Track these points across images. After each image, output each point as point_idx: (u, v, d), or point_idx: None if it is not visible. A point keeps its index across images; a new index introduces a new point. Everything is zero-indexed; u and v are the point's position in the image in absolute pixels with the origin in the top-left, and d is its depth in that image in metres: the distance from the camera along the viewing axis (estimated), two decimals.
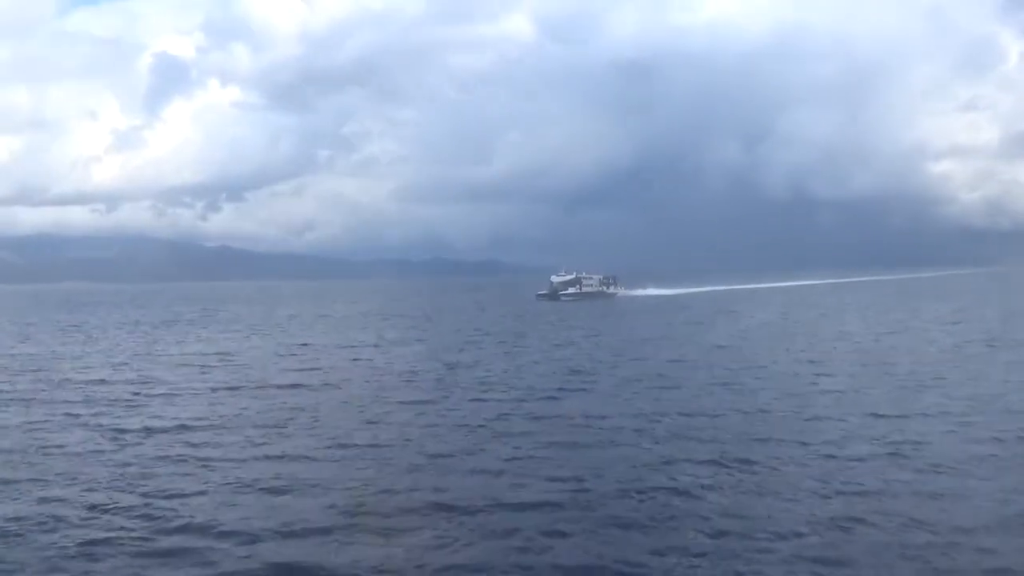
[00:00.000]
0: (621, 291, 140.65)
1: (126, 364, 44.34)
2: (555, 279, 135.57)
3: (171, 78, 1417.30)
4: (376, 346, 54.17)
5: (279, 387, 33.97)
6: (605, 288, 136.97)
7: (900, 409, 26.34)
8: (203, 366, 42.52)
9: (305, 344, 55.62)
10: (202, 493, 17.98)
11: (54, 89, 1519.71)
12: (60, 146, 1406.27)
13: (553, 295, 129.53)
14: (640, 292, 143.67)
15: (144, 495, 17.80)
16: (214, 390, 33.35)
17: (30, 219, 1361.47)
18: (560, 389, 32.35)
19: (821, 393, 30.22)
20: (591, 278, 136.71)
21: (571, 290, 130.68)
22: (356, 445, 22.45)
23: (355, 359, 45.81)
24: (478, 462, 20.41)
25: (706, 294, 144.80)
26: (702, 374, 35.95)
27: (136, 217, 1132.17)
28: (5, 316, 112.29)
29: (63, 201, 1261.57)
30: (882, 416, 25.30)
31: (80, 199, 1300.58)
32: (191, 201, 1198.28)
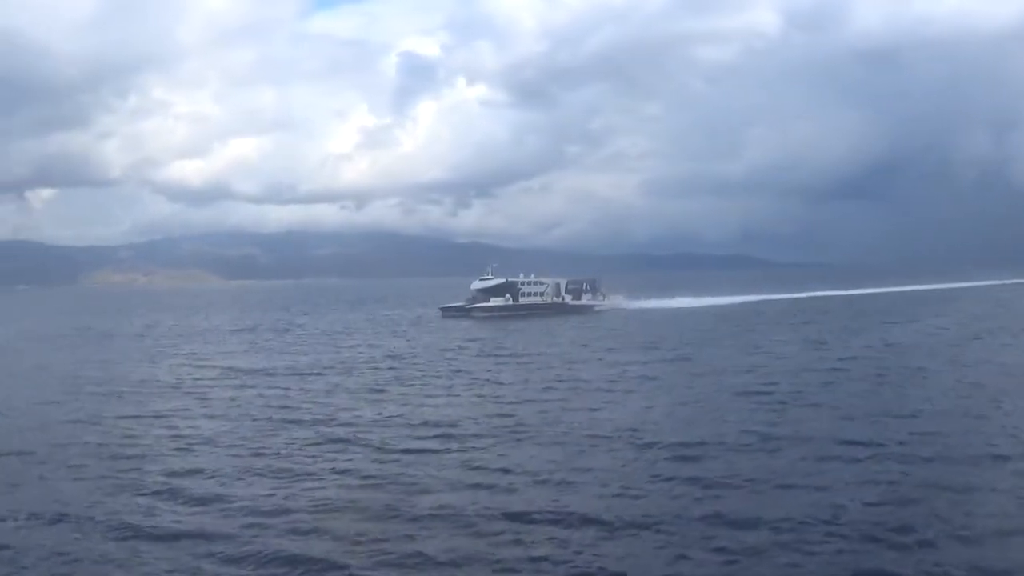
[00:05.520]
0: (606, 302, 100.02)
1: None
2: (476, 285, 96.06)
3: (418, 77, 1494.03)
4: None
5: None
6: (572, 298, 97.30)
7: None
8: None
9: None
10: None
11: (300, 90, 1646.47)
12: (308, 145, 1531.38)
13: (466, 309, 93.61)
14: (655, 304, 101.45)
15: None
16: None
17: (279, 217, 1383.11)
18: None
19: None
20: (540, 283, 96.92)
21: (495, 301, 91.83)
22: None
23: None
24: None
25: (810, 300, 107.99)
26: None
27: (385, 214, 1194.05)
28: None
29: (312, 199, 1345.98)
30: None
31: (329, 197, 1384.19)
32: (439, 198, 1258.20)
